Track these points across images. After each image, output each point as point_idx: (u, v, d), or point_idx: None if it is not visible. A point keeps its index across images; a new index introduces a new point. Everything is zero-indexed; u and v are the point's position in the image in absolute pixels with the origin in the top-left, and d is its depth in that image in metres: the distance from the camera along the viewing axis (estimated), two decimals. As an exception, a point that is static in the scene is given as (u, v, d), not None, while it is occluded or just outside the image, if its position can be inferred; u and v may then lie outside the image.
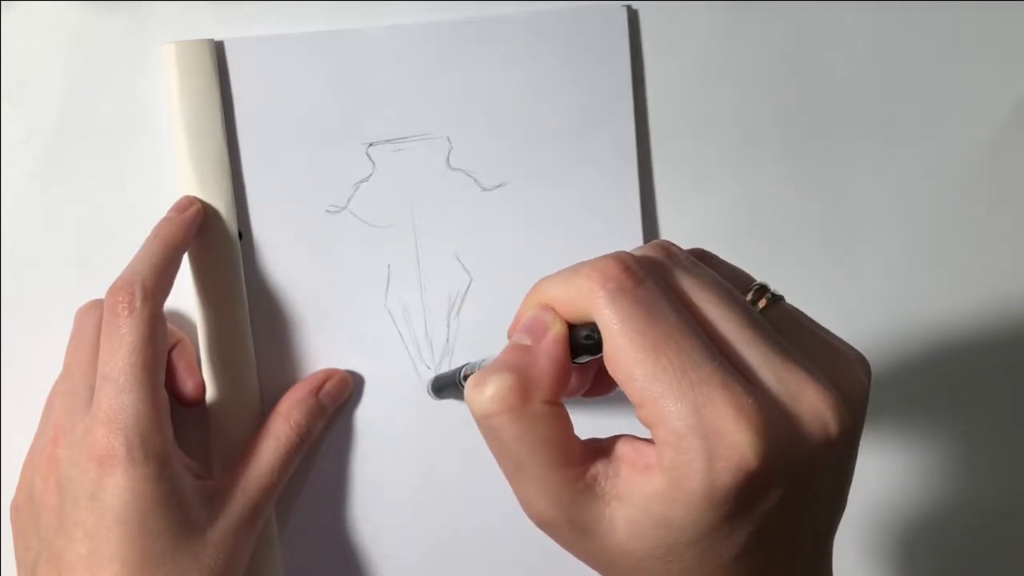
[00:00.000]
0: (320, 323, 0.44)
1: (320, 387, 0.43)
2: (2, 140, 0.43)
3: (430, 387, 0.45)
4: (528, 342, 0.29)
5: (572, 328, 0.29)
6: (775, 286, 0.31)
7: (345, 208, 0.44)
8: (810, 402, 0.28)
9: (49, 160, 0.43)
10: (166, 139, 0.43)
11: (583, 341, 0.29)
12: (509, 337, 0.31)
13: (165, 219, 0.41)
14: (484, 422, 0.29)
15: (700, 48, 0.46)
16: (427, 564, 0.46)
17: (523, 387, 0.28)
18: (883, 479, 0.49)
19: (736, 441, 0.26)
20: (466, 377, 0.40)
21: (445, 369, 0.45)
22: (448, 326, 0.45)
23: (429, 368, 0.45)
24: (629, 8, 0.45)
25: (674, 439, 0.27)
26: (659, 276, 0.29)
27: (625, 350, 0.27)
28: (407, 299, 0.45)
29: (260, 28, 0.43)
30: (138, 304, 0.38)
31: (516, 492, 0.30)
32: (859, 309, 0.48)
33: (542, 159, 0.45)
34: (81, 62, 0.43)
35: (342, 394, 0.44)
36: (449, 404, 0.45)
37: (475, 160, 0.45)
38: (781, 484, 0.27)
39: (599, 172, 0.45)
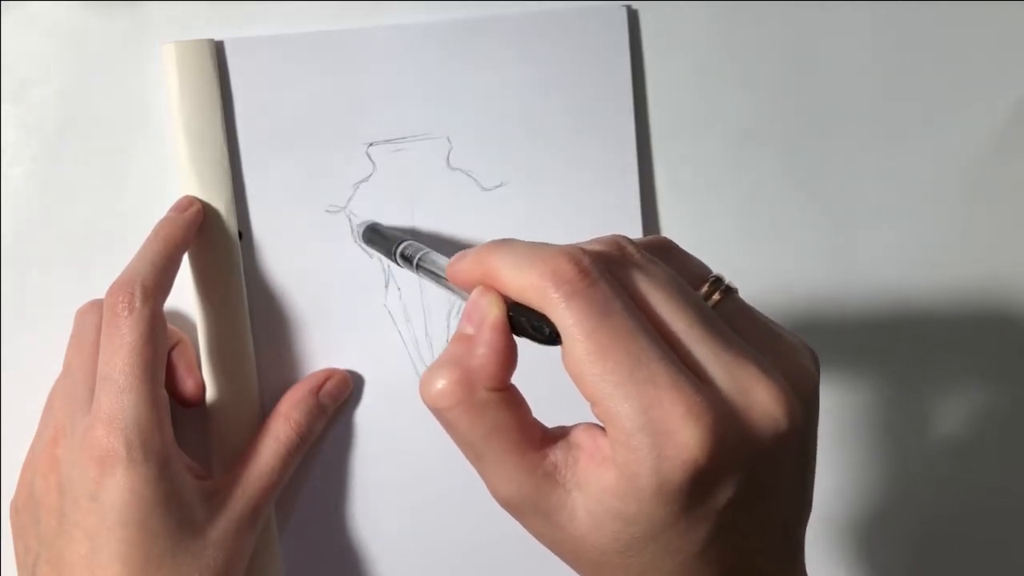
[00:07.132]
0: (320, 323, 0.44)
1: (320, 387, 0.43)
2: (2, 140, 0.43)
3: (361, 232, 0.43)
4: (470, 331, 0.30)
5: (519, 309, 0.29)
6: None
7: (345, 208, 0.44)
8: (760, 397, 0.28)
9: (49, 160, 0.43)
10: (166, 139, 0.43)
11: (531, 332, 0.29)
12: (446, 276, 0.32)
13: (165, 219, 0.41)
14: (438, 416, 0.30)
15: (700, 48, 0.46)
16: (427, 564, 0.46)
17: (466, 379, 0.29)
18: (875, 480, 0.49)
19: (684, 439, 0.27)
20: (403, 254, 0.39)
21: None
22: (448, 326, 0.45)
23: (429, 368, 0.45)
24: (629, 8, 0.45)
25: (624, 437, 0.27)
26: (612, 275, 0.29)
27: (576, 351, 0.28)
28: (407, 299, 0.45)
29: (260, 28, 0.43)
30: (138, 304, 0.38)
31: (482, 478, 0.31)
32: (859, 308, 0.48)
33: (542, 159, 0.45)
34: (81, 62, 0.43)
35: (342, 394, 0.44)
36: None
37: (475, 160, 0.45)
38: (733, 479, 0.28)
39: (599, 172, 0.45)
